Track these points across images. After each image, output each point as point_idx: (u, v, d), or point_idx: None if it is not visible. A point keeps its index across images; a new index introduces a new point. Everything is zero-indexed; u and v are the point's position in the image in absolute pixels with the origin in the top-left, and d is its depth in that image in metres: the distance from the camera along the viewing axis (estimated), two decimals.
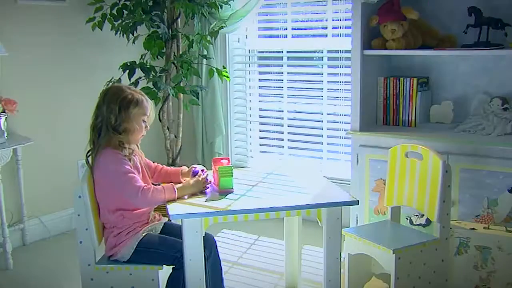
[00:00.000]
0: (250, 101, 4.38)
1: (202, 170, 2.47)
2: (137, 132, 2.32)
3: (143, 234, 2.32)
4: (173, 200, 2.24)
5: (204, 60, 4.01)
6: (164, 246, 2.29)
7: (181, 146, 3.95)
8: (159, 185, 2.39)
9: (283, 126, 4.22)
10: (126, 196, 2.24)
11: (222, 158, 2.46)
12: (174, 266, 2.28)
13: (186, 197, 2.30)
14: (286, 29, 4.09)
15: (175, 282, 2.26)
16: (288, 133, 4.21)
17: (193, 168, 2.48)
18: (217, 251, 2.44)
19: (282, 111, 4.21)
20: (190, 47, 3.86)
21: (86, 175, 2.27)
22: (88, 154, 2.32)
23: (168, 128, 3.88)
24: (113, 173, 2.23)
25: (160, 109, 3.81)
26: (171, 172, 2.54)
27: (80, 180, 2.27)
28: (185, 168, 2.54)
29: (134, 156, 2.35)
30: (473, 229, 2.62)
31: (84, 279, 2.28)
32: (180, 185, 2.32)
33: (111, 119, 2.25)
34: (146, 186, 2.23)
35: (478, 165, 2.80)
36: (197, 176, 2.40)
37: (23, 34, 3.54)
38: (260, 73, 4.32)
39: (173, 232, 2.42)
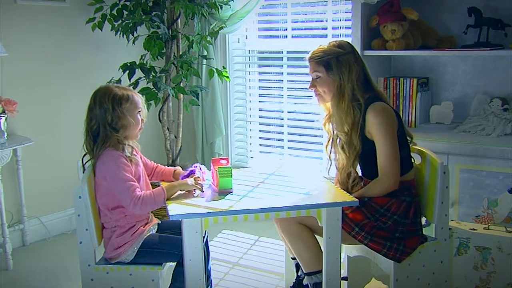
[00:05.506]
0: (250, 101, 4.37)
1: (203, 172, 2.48)
2: (134, 126, 2.33)
3: (148, 234, 2.34)
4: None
5: (204, 60, 4.01)
6: (168, 245, 2.31)
7: (181, 147, 3.95)
8: (158, 185, 2.41)
9: (283, 126, 4.22)
10: (121, 202, 2.25)
11: (221, 159, 2.46)
12: (178, 261, 2.31)
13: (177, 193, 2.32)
14: (286, 29, 4.09)
15: (181, 274, 2.26)
16: (288, 133, 4.20)
17: (193, 168, 2.48)
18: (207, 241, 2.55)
19: (282, 112, 4.21)
20: (190, 47, 3.85)
21: (86, 175, 2.27)
22: (85, 160, 2.34)
23: (168, 129, 3.88)
24: (111, 176, 2.24)
25: (160, 109, 3.81)
26: (164, 171, 2.57)
27: (80, 180, 2.27)
28: (179, 169, 2.57)
29: (135, 154, 2.35)
30: (473, 229, 2.62)
31: (84, 280, 2.28)
32: (168, 184, 2.34)
33: (107, 118, 2.26)
34: (138, 195, 2.22)
35: (478, 165, 2.80)
36: (190, 176, 2.41)
37: (23, 34, 3.54)
38: (260, 73, 4.32)
39: (167, 226, 2.47)
